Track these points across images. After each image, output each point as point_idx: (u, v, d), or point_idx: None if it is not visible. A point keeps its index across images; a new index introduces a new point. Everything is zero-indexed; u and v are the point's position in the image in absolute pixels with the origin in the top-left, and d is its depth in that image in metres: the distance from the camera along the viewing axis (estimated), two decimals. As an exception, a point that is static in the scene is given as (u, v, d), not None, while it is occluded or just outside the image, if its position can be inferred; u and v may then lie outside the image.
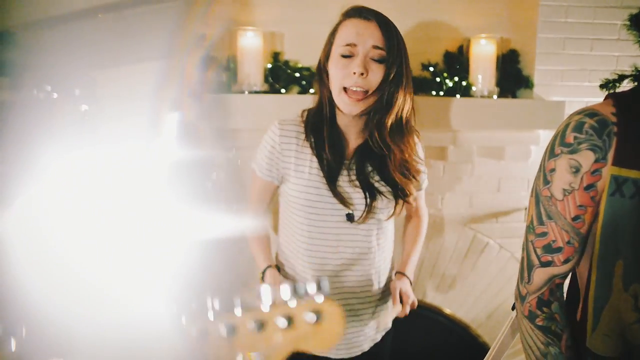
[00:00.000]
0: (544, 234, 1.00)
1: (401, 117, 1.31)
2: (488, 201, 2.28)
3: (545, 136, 2.16)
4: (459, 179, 2.24)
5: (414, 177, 1.37)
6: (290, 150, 1.36)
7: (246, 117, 1.90)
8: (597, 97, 1.11)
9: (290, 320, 0.56)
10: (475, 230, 2.28)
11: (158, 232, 0.92)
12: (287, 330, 0.56)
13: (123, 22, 1.02)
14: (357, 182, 1.34)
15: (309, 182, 1.34)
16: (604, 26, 2.16)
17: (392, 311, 1.42)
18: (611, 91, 1.33)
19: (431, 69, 2.08)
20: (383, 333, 1.50)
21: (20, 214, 0.84)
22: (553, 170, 0.97)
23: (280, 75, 2.00)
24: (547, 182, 0.99)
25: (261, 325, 0.57)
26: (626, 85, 1.28)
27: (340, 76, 1.25)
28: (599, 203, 0.95)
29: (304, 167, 1.35)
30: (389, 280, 1.49)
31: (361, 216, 1.34)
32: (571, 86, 2.19)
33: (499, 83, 2.11)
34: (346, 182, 1.34)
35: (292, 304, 0.57)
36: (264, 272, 1.43)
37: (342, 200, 1.33)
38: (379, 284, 1.45)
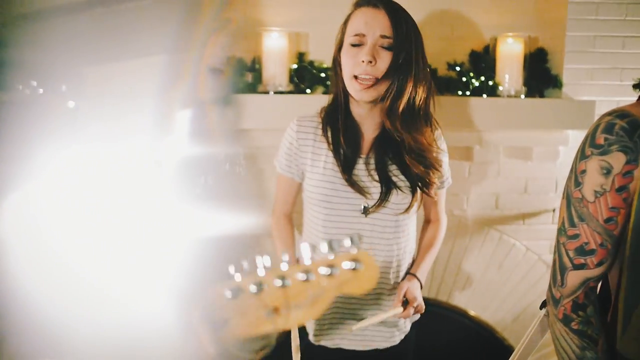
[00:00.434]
0: (576, 236, 0.98)
1: (413, 104, 1.31)
2: (515, 202, 2.24)
3: (575, 137, 2.12)
4: (485, 180, 2.22)
5: (433, 166, 1.36)
6: (307, 146, 1.40)
7: (273, 118, 1.91)
8: (629, 97, 1.09)
9: (332, 268, 0.64)
10: (501, 232, 2.25)
11: (158, 231, 0.92)
12: (330, 277, 0.64)
13: (118, 17, 1.01)
14: (374, 174, 1.35)
15: (323, 176, 1.37)
16: (636, 23, 2.11)
17: (391, 310, 1.36)
18: (644, 91, 1.30)
19: (457, 68, 2.06)
20: (400, 335, 1.47)
21: (11, 212, 0.84)
22: (584, 171, 0.96)
23: (305, 76, 2.01)
24: (578, 183, 0.97)
25: (307, 275, 0.65)
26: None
27: (350, 64, 1.29)
28: (631, 205, 0.94)
29: (319, 161, 1.38)
30: None
31: (374, 205, 1.34)
32: (601, 85, 2.14)
33: (526, 82, 2.08)
34: (363, 173, 1.35)
35: (331, 256, 0.65)
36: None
37: (359, 189, 1.34)
38: (396, 281, 1.44)
